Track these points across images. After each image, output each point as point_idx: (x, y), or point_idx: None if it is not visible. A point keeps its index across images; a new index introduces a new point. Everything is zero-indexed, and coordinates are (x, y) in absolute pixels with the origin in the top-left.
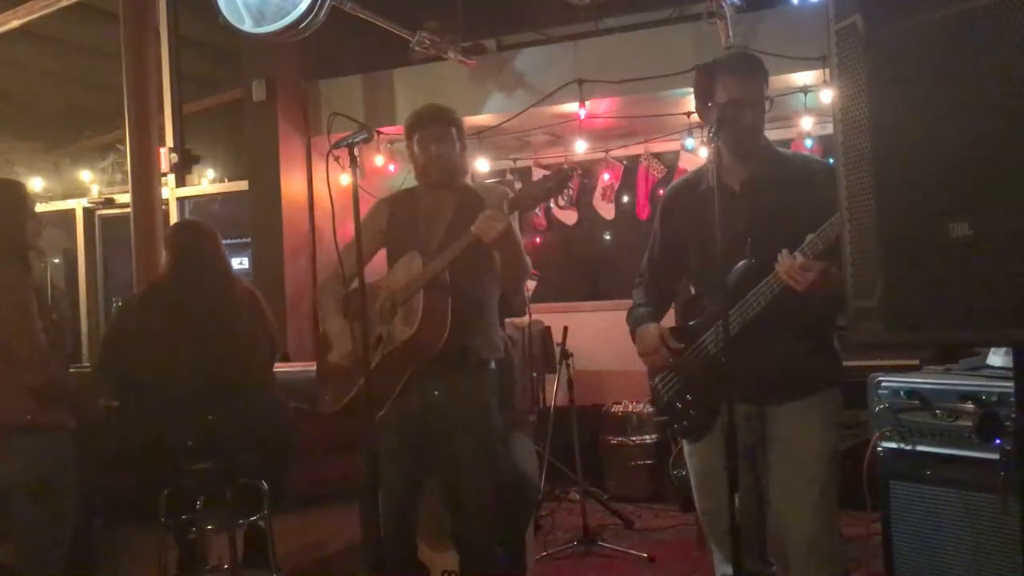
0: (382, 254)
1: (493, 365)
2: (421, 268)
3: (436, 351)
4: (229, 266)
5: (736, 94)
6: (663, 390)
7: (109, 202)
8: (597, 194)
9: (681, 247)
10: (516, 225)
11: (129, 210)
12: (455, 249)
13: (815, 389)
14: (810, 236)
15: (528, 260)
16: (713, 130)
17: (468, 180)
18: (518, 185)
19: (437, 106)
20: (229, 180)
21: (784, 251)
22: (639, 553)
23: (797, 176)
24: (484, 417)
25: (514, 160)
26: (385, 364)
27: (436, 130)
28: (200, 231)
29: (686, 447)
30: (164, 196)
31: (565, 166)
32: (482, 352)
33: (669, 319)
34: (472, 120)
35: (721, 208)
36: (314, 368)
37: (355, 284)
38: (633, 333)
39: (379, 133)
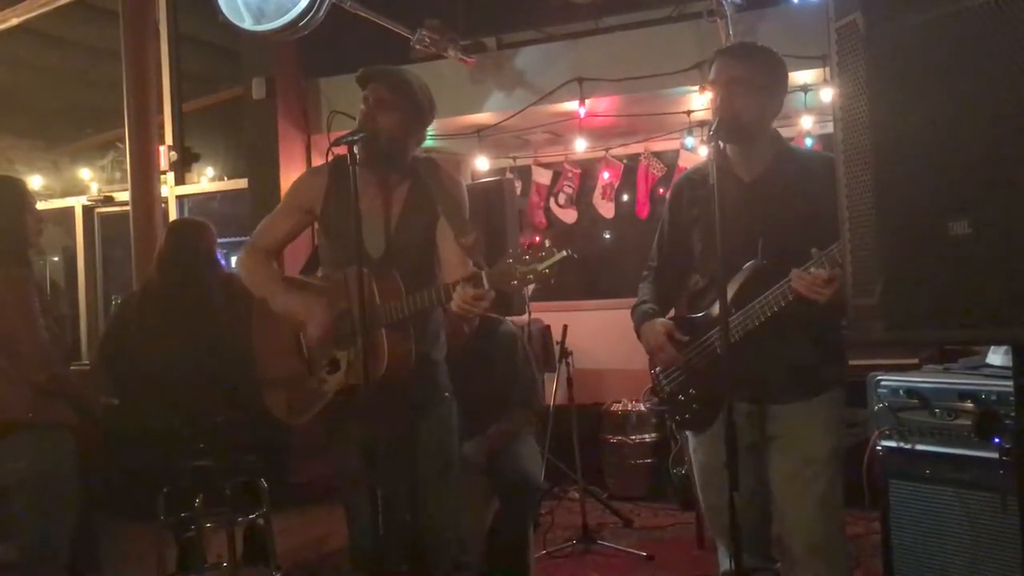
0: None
1: (441, 361)
2: (378, 301)
3: (399, 385)
4: (217, 260)
5: (715, 76)
6: (665, 382)
7: (108, 200)
8: (597, 193)
9: (688, 237)
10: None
11: (128, 208)
12: (422, 302)
13: (820, 390)
14: (814, 250)
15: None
16: (713, 125)
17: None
18: (518, 184)
19: (392, 68)
20: (229, 178)
21: (795, 271)
22: (638, 552)
23: (810, 174)
24: (439, 421)
25: (514, 159)
26: (348, 392)
27: (385, 92)
28: (189, 228)
29: (690, 443)
30: (163, 194)
31: (570, 252)
32: (433, 354)
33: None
34: (472, 118)
35: (729, 199)
36: None
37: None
38: (638, 330)
39: None
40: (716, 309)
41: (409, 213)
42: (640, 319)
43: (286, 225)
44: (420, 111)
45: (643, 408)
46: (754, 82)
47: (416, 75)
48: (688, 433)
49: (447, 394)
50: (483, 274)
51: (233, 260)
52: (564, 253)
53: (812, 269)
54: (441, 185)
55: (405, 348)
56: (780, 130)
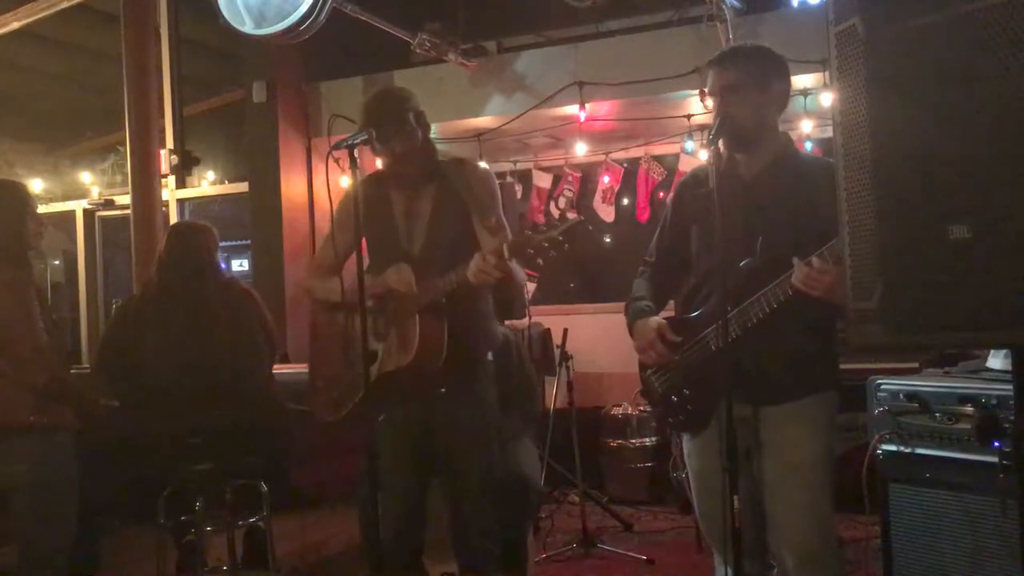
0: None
1: (490, 356)
2: (414, 287)
3: (433, 372)
4: (217, 263)
5: (710, 86)
6: (656, 383)
7: (109, 203)
8: (597, 197)
9: (686, 235)
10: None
11: (129, 212)
12: (449, 282)
13: (811, 390)
14: (814, 248)
15: (521, 280)
16: (712, 131)
17: (439, 155)
18: (518, 187)
19: (389, 96)
20: (229, 182)
21: (796, 260)
22: (638, 555)
23: (812, 175)
24: (480, 414)
25: (514, 162)
26: (383, 380)
27: (394, 127)
28: (189, 231)
29: (685, 448)
30: (164, 198)
31: (582, 220)
32: (477, 348)
33: (668, 310)
34: (472, 122)
35: (730, 197)
36: None
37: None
38: (631, 327)
39: None
40: (709, 309)
41: (440, 211)
42: (634, 316)
43: (338, 241)
44: (419, 106)
45: (642, 411)
46: (747, 86)
47: (399, 87)
48: (684, 437)
49: (486, 385)
50: (504, 245)
51: (234, 264)
52: (579, 218)
53: (814, 260)
54: (466, 180)
55: (438, 338)
56: None
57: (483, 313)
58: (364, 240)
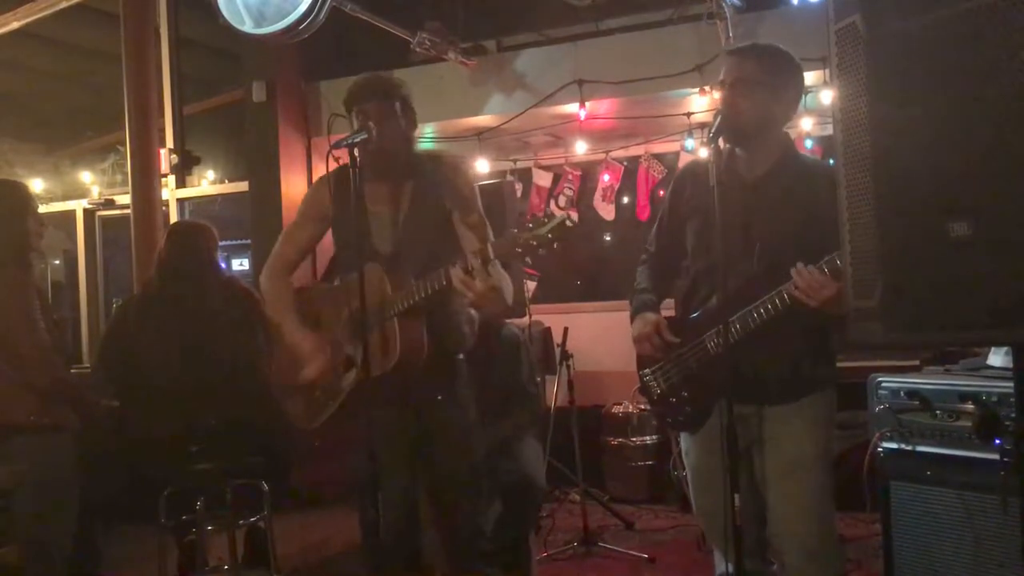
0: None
1: (461, 356)
2: (390, 292)
3: (415, 374)
4: (217, 263)
5: (722, 76)
6: (653, 384)
7: (109, 203)
8: (597, 195)
9: (683, 227)
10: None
11: (129, 211)
12: (431, 284)
13: (810, 390)
14: (812, 255)
15: (508, 294)
16: (713, 128)
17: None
18: (518, 186)
19: (379, 77)
20: (229, 181)
21: (800, 265)
22: (639, 554)
23: (814, 180)
24: (465, 415)
25: (514, 161)
26: (361, 386)
27: (376, 106)
28: (189, 230)
29: (683, 445)
30: (164, 197)
31: (568, 216)
32: (450, 346)
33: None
34: (472, 121)
35: (730, 196)
36: None
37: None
38: (633, 317)
39: None
40: (708, 311)
41: (416, 209)
42: (637, 308)
43: (303, 236)
44: (410, 101)
45: (642, 409)
46: (759, 82)
47: (392, 75)
48: (682, 435)
49: (465, 387)
50: (489, 245)
51: (234, 263)
52: (564, 216)
53: (813, 271)
54: (446, 176)
55: (417, 338)
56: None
57: (454, 311)
58: (332, 236)
